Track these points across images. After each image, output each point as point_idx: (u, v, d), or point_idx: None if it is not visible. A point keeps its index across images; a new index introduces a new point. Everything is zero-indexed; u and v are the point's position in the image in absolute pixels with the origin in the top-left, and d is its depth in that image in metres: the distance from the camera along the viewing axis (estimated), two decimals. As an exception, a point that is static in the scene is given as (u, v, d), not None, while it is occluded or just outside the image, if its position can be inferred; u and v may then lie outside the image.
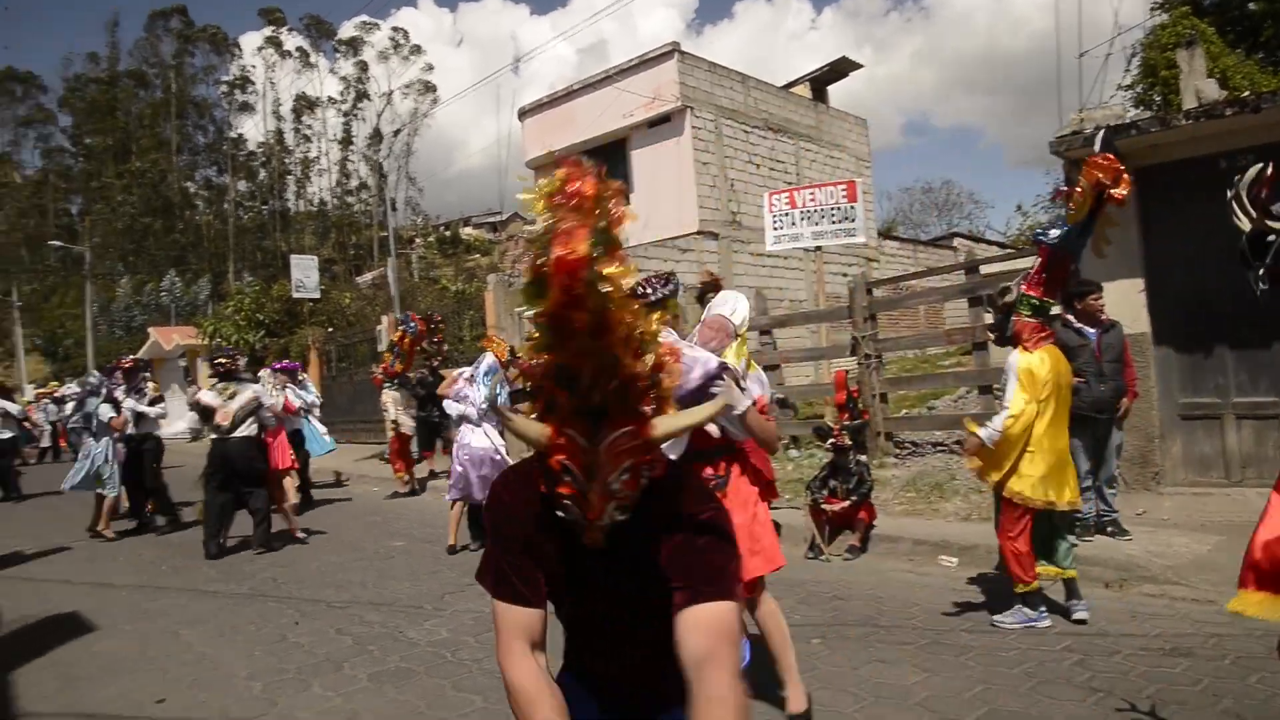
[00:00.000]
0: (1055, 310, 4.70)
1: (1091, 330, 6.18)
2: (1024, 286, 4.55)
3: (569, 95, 20.33)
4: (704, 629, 1.45)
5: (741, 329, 3.56)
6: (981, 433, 4.53)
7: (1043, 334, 4.56)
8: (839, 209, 11.74)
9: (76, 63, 69.09)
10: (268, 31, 68.19)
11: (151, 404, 9.99)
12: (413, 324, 9.36)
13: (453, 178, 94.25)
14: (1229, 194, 2.46)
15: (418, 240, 58.62)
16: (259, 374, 9.96)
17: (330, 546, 8.34)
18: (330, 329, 21.10)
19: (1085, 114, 7.85)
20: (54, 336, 52.58)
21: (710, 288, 4.00)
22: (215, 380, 8.44)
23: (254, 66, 68.29)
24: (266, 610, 6.03)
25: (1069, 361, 4.81)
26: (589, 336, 1.32)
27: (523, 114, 21.67)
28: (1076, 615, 4.61)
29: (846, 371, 8.89)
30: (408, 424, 11.21)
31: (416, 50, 69.52)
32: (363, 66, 68.26)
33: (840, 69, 23.63)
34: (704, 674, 1.41)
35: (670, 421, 1.46)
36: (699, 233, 18.04)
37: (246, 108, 68.86)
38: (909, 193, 50.08)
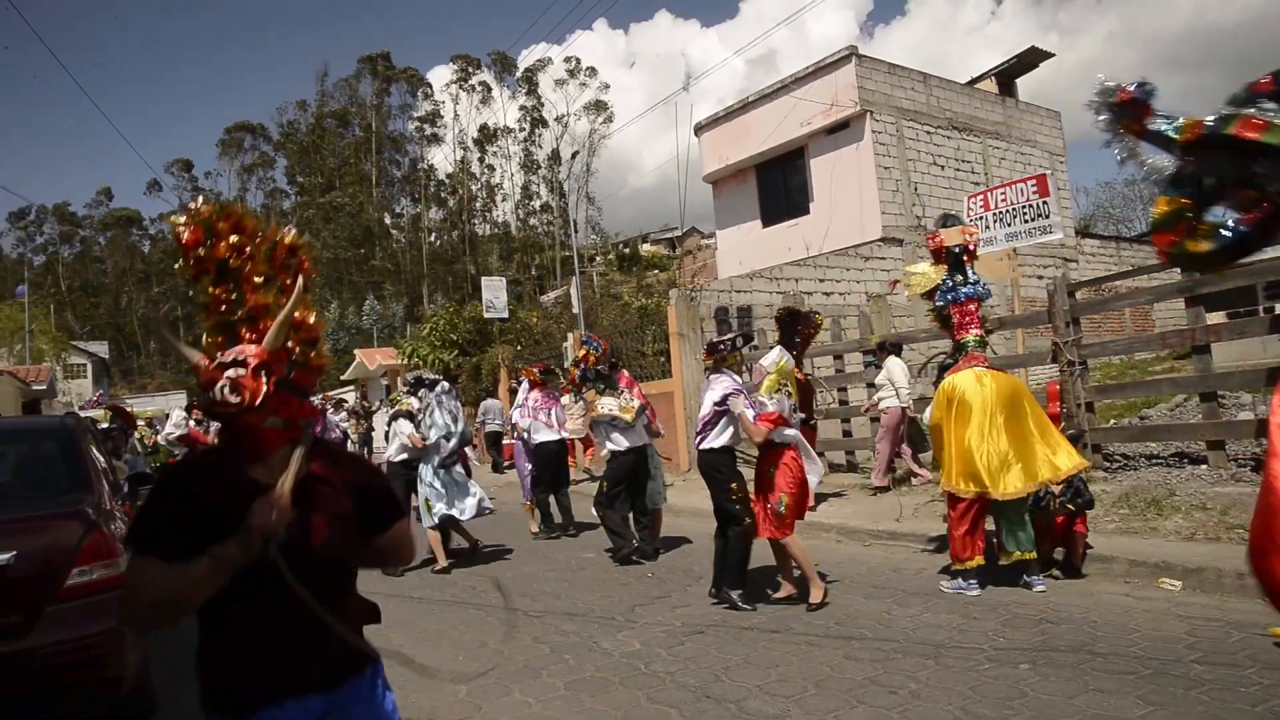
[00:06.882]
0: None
1: None
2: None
3: (744, 107, 20.31)
4: None
5: (773, 370, 5.79)
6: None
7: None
8: (1030, 206, 11.10)
9: (289, 110, 75.98)
10: (456, 69, 72.35)
11: None
12: (596, 343, 9.51)
13: (629, 196, 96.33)
14: None
15: (598, 258, 60.12)
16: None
17: (523, 557, 8.63)
18: (519, 347, 21.86)
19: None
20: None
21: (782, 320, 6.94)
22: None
23: (443, 102, 72.49)
24: (467, 617, 6.30)
25: None
26: None
27: (699, 129, 21.82)
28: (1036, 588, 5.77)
29: (1059, 383, 8.30)
30: None
31: (592, 72, 71.66)
32: (538, 97, 71.13)
33: (1029, 60, 22.52)
34: None
35: None
36: (882, 239, 17.58)
37: (435, 139, 73.10)
38: (1109, 187, 46.86)
